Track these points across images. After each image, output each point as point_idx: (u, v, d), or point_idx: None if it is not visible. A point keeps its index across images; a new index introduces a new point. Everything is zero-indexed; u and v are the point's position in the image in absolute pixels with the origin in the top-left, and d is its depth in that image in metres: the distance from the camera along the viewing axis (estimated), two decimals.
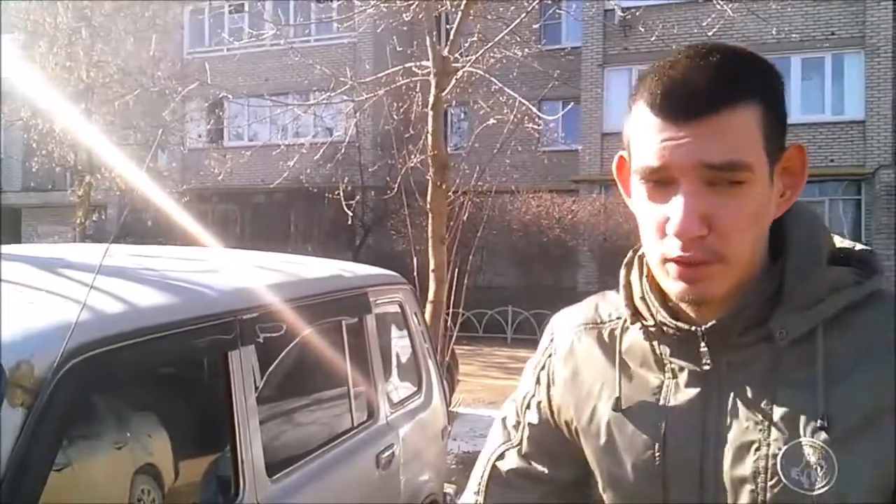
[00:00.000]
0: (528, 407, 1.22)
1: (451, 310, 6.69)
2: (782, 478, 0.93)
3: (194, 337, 2.17)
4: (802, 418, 0.93)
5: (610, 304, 1.17)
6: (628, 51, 19.47)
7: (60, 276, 2.22)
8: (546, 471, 1.17)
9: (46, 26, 15.38)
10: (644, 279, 1.08)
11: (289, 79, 19.52)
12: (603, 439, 1.08)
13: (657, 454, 1.02)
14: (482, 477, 1.22)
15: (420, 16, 6.84)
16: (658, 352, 1.06)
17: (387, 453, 3.19)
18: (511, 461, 1.20)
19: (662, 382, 1.04)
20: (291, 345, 2.82)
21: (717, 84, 0.92)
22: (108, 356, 1.87)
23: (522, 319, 17.71)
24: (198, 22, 23.51)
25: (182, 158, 21.45)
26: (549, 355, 1.20)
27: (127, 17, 16.78)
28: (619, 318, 1.13)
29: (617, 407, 1.06)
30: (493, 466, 1.22)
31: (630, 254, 1.14)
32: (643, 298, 1.07)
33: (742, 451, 0.96)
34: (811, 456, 0.91)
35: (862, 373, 0.93)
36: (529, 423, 1.20)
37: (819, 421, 0.91)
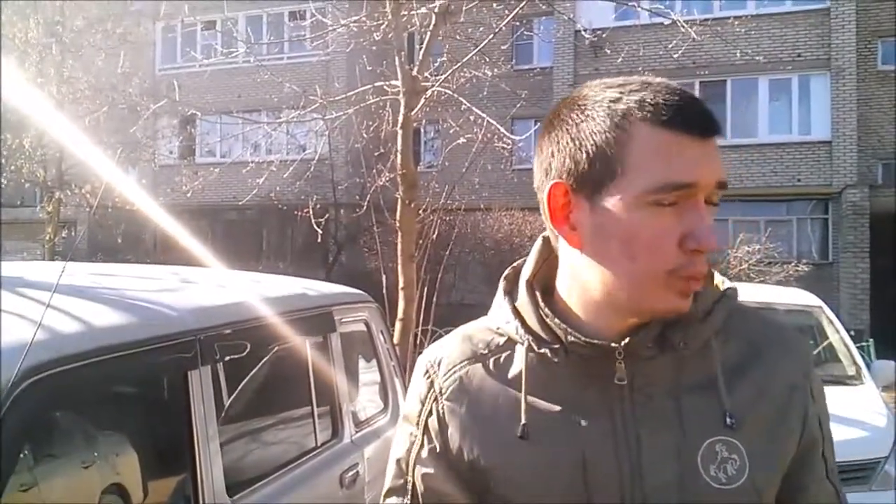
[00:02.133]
0: (416, 461, 1.15)
1: (421, 327, 6.70)
2: (703, 475, 0.98)
3: (153, 356, 2.16)
4: (711, 419, 1.00)
5: (481, 334, 1.17)
6: (599, 71, 19.65)
7: (18, 294, 2.20)
8: None
9: (17, 42, 15.25)
10: (539, 305, 1.10)
11: (261, 96, 19.45)
12: (518, 470, 1.05)
13: (580, 475, 1.01)
14: None
15: (390, 36, 6.88)
16: (561, 373, 1.06)
17: (351, 472, 3.18)
18: None
19: (568, 404, 1.05)
20: (254, 364, 2.82)
21: (714, 119, 1.01)
22: (65, 376, 1.86)
23: None
24: (170, 39, 23.41)
25: (153, 175, 21.29)
26: (434, 399, 1.14)
27: (98, 34, 16.68)
28: (499, 346, 1.13)
29: (524, 434, 1.04)
30: None
31: (504, 283, 1.19)
32: (541, 322, 1.08)
33: (663, 456, 1.00)
34: (724, 452, 0.99)
35: (752, 371, 1.04)
36: (424, 475, 1.14)
37: (727, 419, 1.00)
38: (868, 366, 6.04)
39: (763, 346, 1.06)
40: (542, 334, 1.07)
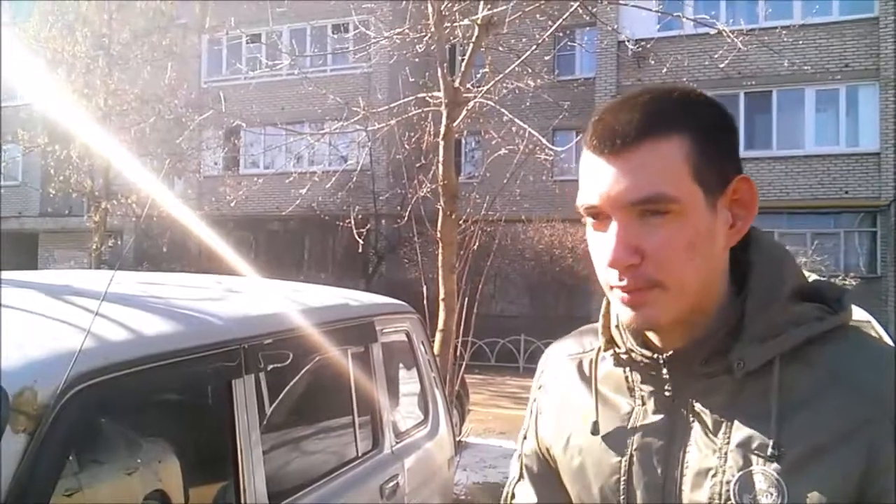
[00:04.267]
0: (524, 438, 1.28)
1: (461, 338, 6.69)
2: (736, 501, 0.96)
3: (198, 365, 2.18)
4: (756, 447, 0.96)
5: (592, 333, 1.22)
6: (642, 82, 19.52)
7: (66, 302, 2.24)
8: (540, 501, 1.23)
9: (65, 54, 15.61)
10: (611, 311, 1.13)
11: (304, 108, 19.68)
12: (576, 464, 1.13)
13: (623, 478, 1.06)
14: None
15: (433, 47, 6.90)
16: (629, 379, 1.11)
17: (391, 483, 3.17)
18: (523, 495, 1.26)
19: (633, 409, 1.09)
20: (296, 373, 2.83)
21: (639, 120, 0.98)
22: (112, 383, 1.89)
23: (535, 349, 17.64)
24: (215, 51, 23.78)
25: (198, 185, 21.63)
26: (539, 387, 1.27)
27: (145, 46, 17.01)
28: (594, 347, 1.18)
29: (595, 431, 1.11)
30: None
31: None
32: (617, 327, 1.12)
33: (700, 477, 1.00)
34: (762, 484, 0.95)
35: (815, 405, 0.95)
36: (525, 454, 1.27)
37: (771, 450, 0.95)
38: None
39: (844, 377, 0.96)
40: (616, 339, 1.12)
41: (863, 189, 18.04)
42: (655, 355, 1.05)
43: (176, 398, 2.52)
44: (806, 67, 15.12)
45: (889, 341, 4.61)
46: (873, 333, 4.46)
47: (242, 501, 2.26)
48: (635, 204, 0.96)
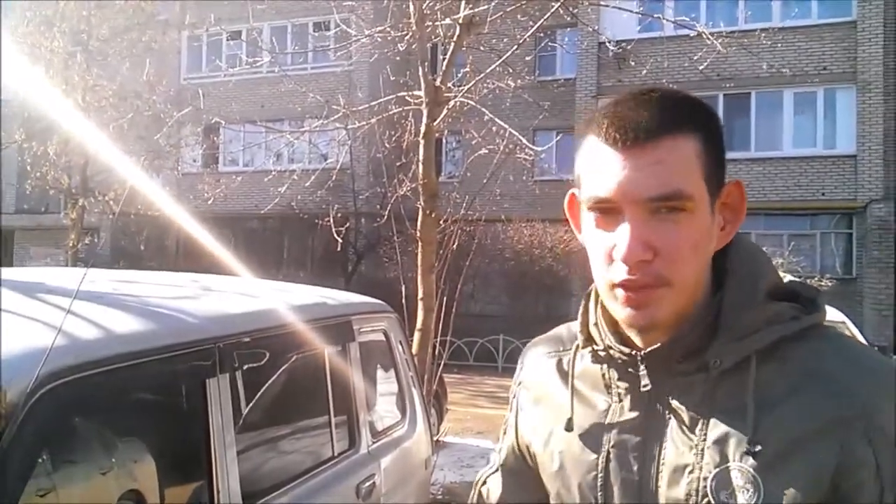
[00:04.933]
0: (504, 432, 1.32)
1: (440, 338, 6.68)
2: (712, 500, 0.97)
3: (172, 364, 2.16)
4: (732, 444, 0.97)
5: (570, 331, 1.23)
6: (622, 83, 19.60)
7: (38, 300, 2.21)
8: (518, 499, 1.25)
9: (43, 50, 15.44)
10: (598, 307, 1.13)
11: (284, 106, 19.60)
12: (556, 462, 1.14)
13: (600, 475, 1.07)
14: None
15: (414, 46, 6.89)
16: (606, 376, 1.11)
17: (367, 483, 3.16)
18: (493, 487, 1.29)
19: (609, 405, 1.10)
20: (272, 372, 2.81)
21: (659, 114, 0.98)
22: (84, 382, 1.86)
23: (514, 348, 17.67)
24: (195, 48, 23.65)
25: (176, 183, 21.46)
26: (519, 384, 1.29)
27: (123, 42, 16.86)
28: (573, 345, 1.19)
29: (569, 427, 1.12)
30: (479, 494, 1.32)
31: (592, 285, 1.17)
32: (596, 324, 1.13)
33: (677, 473, 1.01)
34: (739, 480, 0.96)
35: (790, 402, 0.97)
36: (505, 447, 1.30)
37: (747, 446, 0.96)
38: None
39: (818, 375, 0.98)
40: (595, 337, 1.13)
41: (839, 191, 18.22)
42: (634, 352, 1.05)
43: (150, 397, 2.49)
44: (784, 70, 15.25)
45: (862, 341, 4.73)
46: (847, 334, 4.51)
47: (216, 502, 2.24)
48: (653, 200, 0.96)
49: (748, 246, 1.10)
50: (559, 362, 1.20)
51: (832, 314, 6.50)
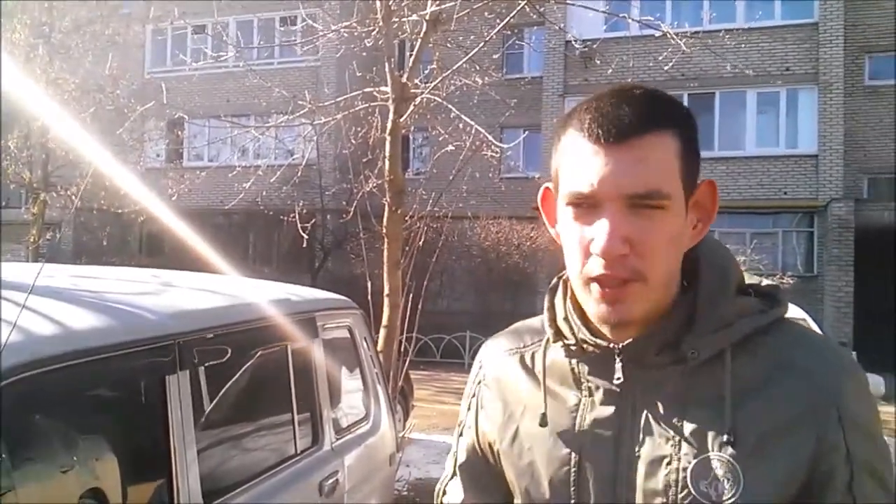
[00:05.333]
0: (461, 434, 1.29)
1: (406, 334, 6.67)
2: (692, 490, 0.99)
3: (130, 360, 2.13)
4: (711, 434, 0.99)
5: (531, 328, 1.23)
6: (588, 82, 19.72)
7: None
8: (481, 500, 1.23)
9: (2, 42, 15.15)
10: (568, 301, 1.13)
11: (250, 101, 19.39)
12: (525, 458, 1.13)
13: (573, 470, 1.07)
14: None
15: (381, 42, 6.87)
16: (577, 370, 1.11)
17: (330, 480, 3.15)
18: (453, 492, 1.27)
19: (580, 400, 1.10)
20: (234, 369, 2.79)
21: (641, 112, 0.99)
22: (40, 379, 1.84)
23: (480, 345, 17.51)
24: (159, 42, 23.36)
25: (140, 178, 21.21)
26: (479, 382, 1.27)
27: (87, 35, 16.61)
28: (540, 340, 1.18)
29: (543, 423, 1.11)
30: None
31: (555, 280, 1.19)
32: (566, 319, 1.13)
33: (654, 465, 1.01)
34: (718, 469, 0.97)
35: (765, 393, 0.99)
36: (461, 450, 1.28)
37: (726, 436, 0.98)
38: None
39: (790, 366, 1.00)
40: (564, 331, 1.13)
41: (801, 190, 18.50)
42: (611, 346, 1.06)
43: (109, 395, 2.46)
44: (748, 70, 15.42)
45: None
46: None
47: (175, 499, 2.22)
48: (633, 197, 0.97)
49: (715, 244, 1.12)
50: (522, 358, 1.20)
51: (793, 311, 6.58)
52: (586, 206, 1.01)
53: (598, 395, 1.08)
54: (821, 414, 0.97)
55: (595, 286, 1.01)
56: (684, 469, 0.99)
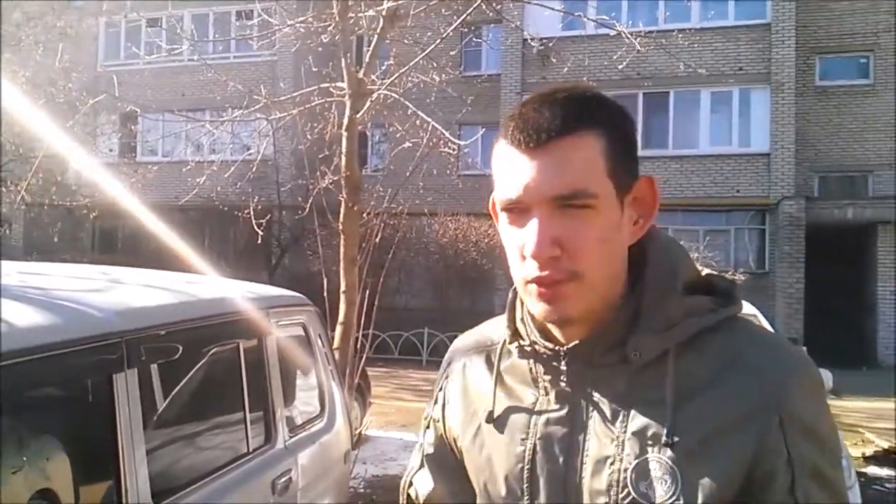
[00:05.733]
0: (427, 427, 1.31)
1: (364, 331, 6.65)
2: (632, 491, 0.99)
3: (76, 358, 2.09)
4: (652, 435, 1.00)
5: (498, 326, 1.23)
6: (546, 80, 19.83)
7: None
8: (449, 490, 1.24)
9: None
10: (518, 305, 1.16)
11: (205, 95, 19.21)
12: (483, 454, 1.15)
13: (526, 466, 1.08)
14: None
15: (337, 37, 6.83)
16: (533, 370, 1.13)
17: (284, 479, 3.13)
18: (420, 483, 1.28)
19: (537, 399, 1.11)
20: (184, 367, 2.76)
21: (562, 114, 1.01)
22: None
23: (438, 342, 17.73)
24: (113, 35, 22.97)
25: (92, 172, 20.83)
26: (446, 377, 1.29)
27: (38, 27, 16.27)
28: (501, 339, 1.19)
29: (489, 419, 1.14)
30: (407, 496, 1.30)
31: None
32: (522, 320, 1.14)
33: (599, 464, 1.02)
34: (657, 471, 0.98)
35: (709, 393, 0.99)
36: (428, 442, 1.30)
37: (665, 438, 0.98)
38: None
39: (738, 366, 1.00)
40: (522, 332, 1.15)
41: (753, 188, 18.82)
42: (557, 347, 1.08)
43: (56, 393, 2.42)
44: (701, 70, 15.63)
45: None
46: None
47: (124, 499, 2.19)
48: (557, 199, 0.99)
49: (666, 240, 1.12)
50: (488, 357, 1.22)
51: (745, 308, 6.70)
52: (517, 210, 1.03)
53: (552, 395, 1.10)
54: (764, 414, 0.97)
55: (533, 287, 1.03)
56: (626, 470, 1.00)
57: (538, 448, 1.08)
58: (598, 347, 1.06)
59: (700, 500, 0.96)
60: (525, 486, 1.08)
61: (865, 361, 17.64)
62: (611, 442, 1.02)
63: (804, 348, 14.50)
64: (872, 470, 7.99)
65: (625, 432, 1.02)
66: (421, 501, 1.27)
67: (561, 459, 1.06)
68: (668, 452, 0.98)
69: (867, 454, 8.44)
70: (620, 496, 1.00)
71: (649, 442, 1.00)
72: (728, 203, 18.95)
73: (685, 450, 0.97)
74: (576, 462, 1.05)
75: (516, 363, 1.16)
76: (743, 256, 18.92)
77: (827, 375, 6.08)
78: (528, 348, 1.13)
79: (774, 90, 18.63)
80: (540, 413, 1.10)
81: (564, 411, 1.07)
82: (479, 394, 1.20)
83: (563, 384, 1.08)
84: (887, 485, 7.50)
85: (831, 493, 0.97)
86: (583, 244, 1.00)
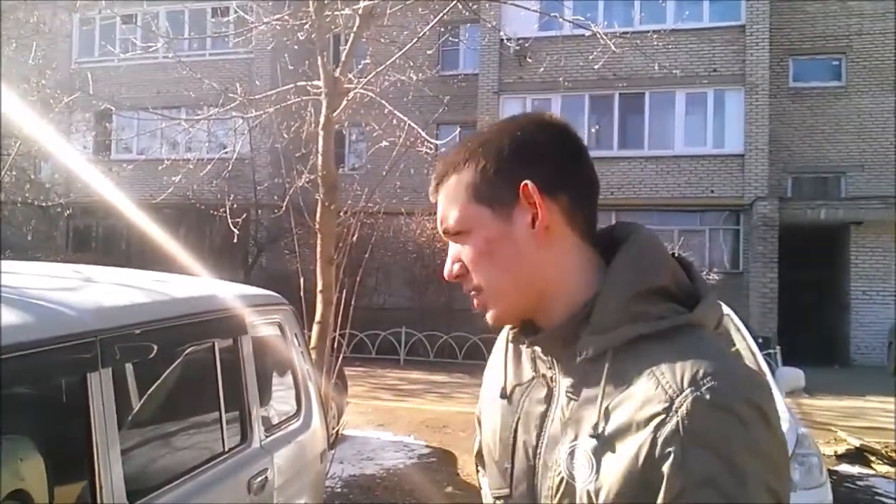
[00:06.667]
0: (477, 421, 1.46)
1: (341, 330, 6.63)
2: (564, 471, 1.11)
3: (50, 357, 2.08)
4: (584, 425, 1.10)
5: None
6: (523, 80, 19.91)
7: None
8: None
9: None
10: None
11: (180, 93, 19.04)
12: (493, 423, 1.30)
13: (512, 436, 1.24)
14: None
15: (313, 35, 6.81)
16: (528, 355, 1.28)
17: (259, 478, 3.12)
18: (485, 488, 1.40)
19: (533, 378, 1.25)
20: (160, 366, 2.75)
21: (441, 166, 1.25)
22: None
23: (416, 341, 17.75)
24: (87, 32, 22.74)
25: (66, 170, 20.64)
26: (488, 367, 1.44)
27: (9, 23, 16.04)
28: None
29: (502, 395, 1.29)
30: (477, 420, 1.46)
31: None
32: None
33: (552, 443, 1.15)
34: (581, 458, 1.09)
35: (628, 393, 1.07)
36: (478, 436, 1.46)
37: (592, 429, 1.08)
38: (774, 372, 6.25)
39: (654, 375, 1.04)
40: None
41: (727, 189, 18.99)
42: (523, 338, 1.25)
43: (29, 393, 2.40)
44: (676, 71, 15.77)
45: (746, 334, 4.94)
46: (732, 326, 4.81)
47: (98, 499, 2.17)
48: (445, 233, 1.24)
49: (643, 242, 1.17)
50: (509, 338, 1.36)
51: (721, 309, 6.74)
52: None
53: (539, 377, 1.23)
54: (662, 420, 1.00)
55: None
56: (565, 452, 1.11)
57: (521, 420, 1.22)
58: (558, 341, 1.17)
59: (606, 490, 1.04)
60: (509, 452, 1.23)
61: (838, 360, 17.88)
62: (561, 425, 1.14)
63: (778, 347, 14.67)
64: (844, 468, 8.09)
65: (570, 419, 1.13)
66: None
67: (534, 434, 1.18)
68: (593, 443, 1.07)
69: (839, 452, 8.53)
70: (559, 473, 1.12)
71: (581, 431, 1.10)
72: (702, 203, 19.11)
73: (603, 442, 1.06)
74: (541, 437, 1.17)
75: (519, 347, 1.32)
76: (717, 256, 19.10)
77: (798, 374, 6.16)
78: (516, 332, 1.30)
79: (748, 91, 18.82)
80: (531, 390, 1.23)
81: (543, 392, 1.20)
82: (495, 371, 1.36)
83: (544, 368, 1.21)
84: (858, 482, 7.60)
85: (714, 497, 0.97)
86: (472, 263, 1.21)
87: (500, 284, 1.19)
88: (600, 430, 1.06)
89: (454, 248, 1.23)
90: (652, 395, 1.03)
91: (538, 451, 1.17)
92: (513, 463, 1.22)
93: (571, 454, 1.10)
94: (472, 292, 1.22)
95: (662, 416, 1.01)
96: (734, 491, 0.96)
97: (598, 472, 1.05)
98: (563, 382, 1.16)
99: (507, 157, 1.17)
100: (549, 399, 1.18)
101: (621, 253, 1.15)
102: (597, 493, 1.05)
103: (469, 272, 1.21)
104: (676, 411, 1.00)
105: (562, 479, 1.10)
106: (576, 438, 1.10)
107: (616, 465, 1.03)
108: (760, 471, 0.97)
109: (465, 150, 1.22)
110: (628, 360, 1.08)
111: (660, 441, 1.00)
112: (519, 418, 1.22)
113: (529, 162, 1.17)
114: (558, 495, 1.11)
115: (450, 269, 1.24)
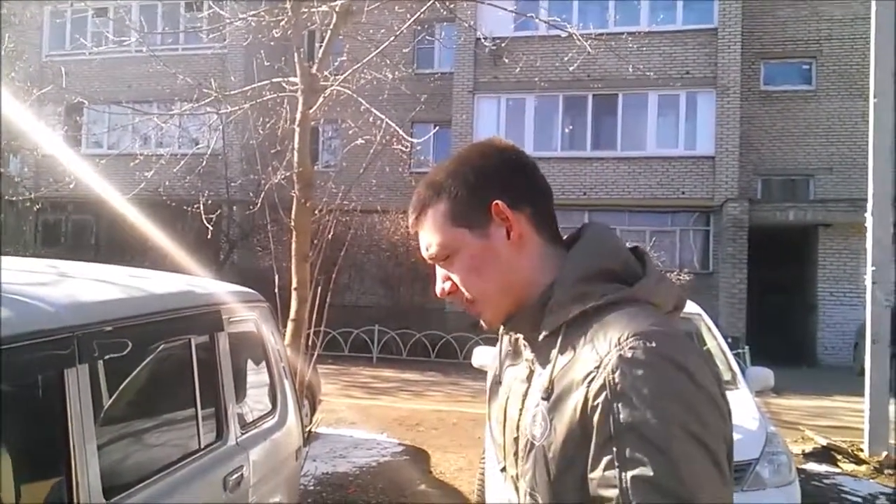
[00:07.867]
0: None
1: (315, 328, 6.62)
2: (526, 431, 1.30)
3: (26, 353, 2.06)
4: (541, 390, 1.28)
5: None
6: (498, 79, 19.96)
7: None
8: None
9: None
10: None
11: (153, 87, 18.88)
12: (497, 399, 1.49)
13: (502, 409, 1.43)
14: None
15: (290, 32, 6.79)
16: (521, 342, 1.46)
17: (235, 475, 3.11)
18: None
19: (519, 361, 1.44)
20: (136, 363, 2.73)
21: (416, 199, 1.43)
22: None
23: (389, 339, 17.72)
24: (58, 24, 22.46)
25: (35, 164, 20.34)
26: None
27: None
28: None
29: (497, 380, 1.51)
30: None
31: None
32: None
33: (527, 412, 1.32)
34: (538, 418, 1.27)
35: (572, 360, 1.24)
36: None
37: (544, 392, 1.26)
38: (743, 371, 6.33)
39: (590, 342, 1.22)
40: None
41: (698, 190, 19.18)
42: (502, 324, 1.44)
43: (5, 389, 2.37)
44: (649, 73, 15.87)
45: (717, 332, 5.04)
46: (703, 325, 4.91)
47: (75, 497, 2.16)
48: (431, 259, 1.41)
49: (593, 235, 1.39)
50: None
51: (690, 306, 6.83)
52: None
53: (524, 360, 1.41)
54: (591, 380, 1.17)
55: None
56: (529, 416, 1.30)
57: (509, 399, 1.41)
58: (527, 324, 1.36)
59: (554, 445, 1.22)
60: (502, 426, 1.42)
61: (806, 360, 18.12)
62: (531, 395, 1.32)
63: (747, 347, 14.84)
64: (811, 466, 8.21)
65: (533, 387, 1.32)
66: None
67: (517, 407, 1.36)
68: (546, 404, 1.25)
69: (807, 451, 8.66)
70: (524, 434, 1.30)
71: (540, 396, 1.27)
72: (673, 204, 19.29)
73: (553, 402, 1.24)
74: (522, 411, 1.34)
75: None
76: (688, 257, 19.28)
77: (767, 374, 6.25)
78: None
79: (720, 94, 19.02)
80: (516, 372, 1.43)
81: (526, 373, 1.38)
82: (494, 361, 1.56)
83: (527, 352, 1.39)
84: (825, 480, 7.72)
85: (651, 449, 1.08)
86: (461, 281, 1.39)
87: (489, 293, 1.38)
88: (550, 392, 1.25)
89: (441, 270, 1.41)
90: (588, 357, 1.20)
91: (519, 423, 1.34)
92: (504, 437, 1.41)
93: (534, 418, 1.28)
94: (466, 304, 1.40)
95: (593, 374, 1.18)
96: (654, 434, 1.08)
97: (550, 427, 1.23)
98: (532, 359, 1.36)
99: (475, 184, 1.37)
100: (529, 378, 1.36)
101: (575, 245, 1.37)
102: (549, 447, 1.23)
103: (458, 288, 1.39)
104: (605, 368, 1.16)
105: (527, 440, 1.29)
106: (536, 403, 1.28)
107: (561, 421, 1.21)
108: (681, 417, 1.09)
109: (434, 185, 1.39)
110: (577, 332, 1.26)
111: (591, 395, 1.16)
112: (508, 398, 1.42)
113: (495, 184, 1.37)
114: (528, 456, 1.28)
115: (441, 288, 1.42)
